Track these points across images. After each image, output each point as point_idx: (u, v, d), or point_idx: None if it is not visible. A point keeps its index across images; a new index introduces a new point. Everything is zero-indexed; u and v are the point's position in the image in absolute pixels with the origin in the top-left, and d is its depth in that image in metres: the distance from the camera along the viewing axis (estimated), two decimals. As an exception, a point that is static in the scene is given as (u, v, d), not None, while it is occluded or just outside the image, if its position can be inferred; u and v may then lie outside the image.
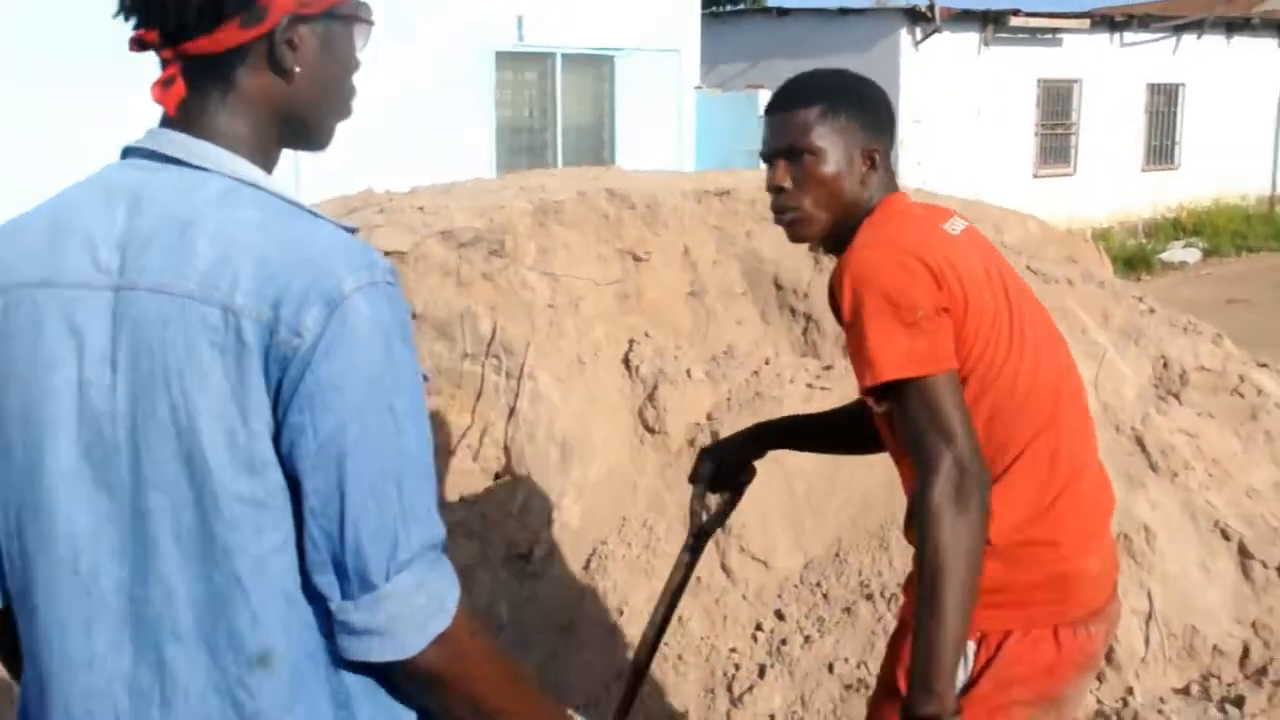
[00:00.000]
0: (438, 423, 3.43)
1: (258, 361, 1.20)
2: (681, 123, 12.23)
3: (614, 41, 11.59)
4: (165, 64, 1.27)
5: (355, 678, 1.28)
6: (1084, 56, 17.08)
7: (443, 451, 3.45)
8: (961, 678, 1.80)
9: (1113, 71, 17.47)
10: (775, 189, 1.94)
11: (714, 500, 2.41)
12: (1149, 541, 3.25)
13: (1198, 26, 18.37)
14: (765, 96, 11.63)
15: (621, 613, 3.30)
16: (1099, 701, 3.06)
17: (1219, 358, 3.82)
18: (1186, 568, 3.28)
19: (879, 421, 1.99)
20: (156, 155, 1.28)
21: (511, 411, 3.46)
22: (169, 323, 1.21)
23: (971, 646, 1.81)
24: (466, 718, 1.32)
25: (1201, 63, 18.57)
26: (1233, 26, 19.11)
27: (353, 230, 1.32)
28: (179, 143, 1.27)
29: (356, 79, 1.40)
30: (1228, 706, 3.00)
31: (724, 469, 2.35)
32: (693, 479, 2.37)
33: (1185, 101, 18.66)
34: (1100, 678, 3.09)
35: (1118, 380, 3.57)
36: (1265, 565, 3.30)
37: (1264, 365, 3.89)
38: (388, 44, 9.97)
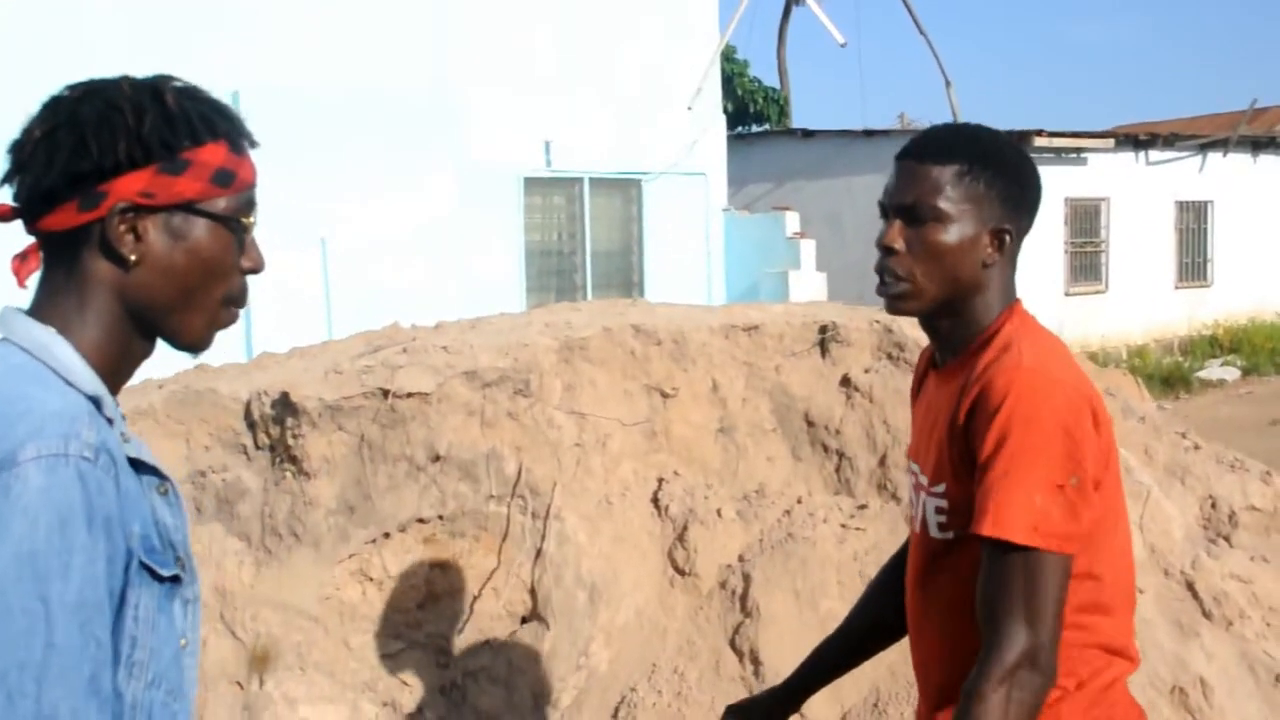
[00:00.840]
0: (462, 566, 3.35)
1: None
2: (710, 244, 12.32)
3: (641, 165, 11.74)
4: (31, 241, 1.29)
5: None
6: (1111, 175, 17.17)
7: (468, 595, 3.37)
8: None
9: (1140, 189, 17.55)
10: (885, 248, 1.75)
11: None
12: (1206, 696, 3.09)
13: (1223, 145, 18.50)
14: (792, 218, 11.68)
15: (651, 768, 3.16)
16: None
17: (1269, 497, 3.69)
18: (1246, 723, 3.11)
19: (913, 542, 1.86)
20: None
21: (538, 553, 3.37)
22: None
23: None
24: None
25: (1229, 180, 18.66)
26: (1258, 145, 19.27)
27: (95, 400, 1.24)
28: (8, 320, 1.28)
29: (259, 280, 1.37)
30: None
31: None
32: None
33: (1215, 218, 18.68)
34: (1160, 844, 2.92)
35: (1164, 521, 3.45)
36: (1331, 720, 3.13)
37: (1316, 503, 3.75)
38: (417, 169, 10.14)
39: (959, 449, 1.68)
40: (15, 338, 1.27)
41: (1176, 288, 18.28)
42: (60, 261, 1.28)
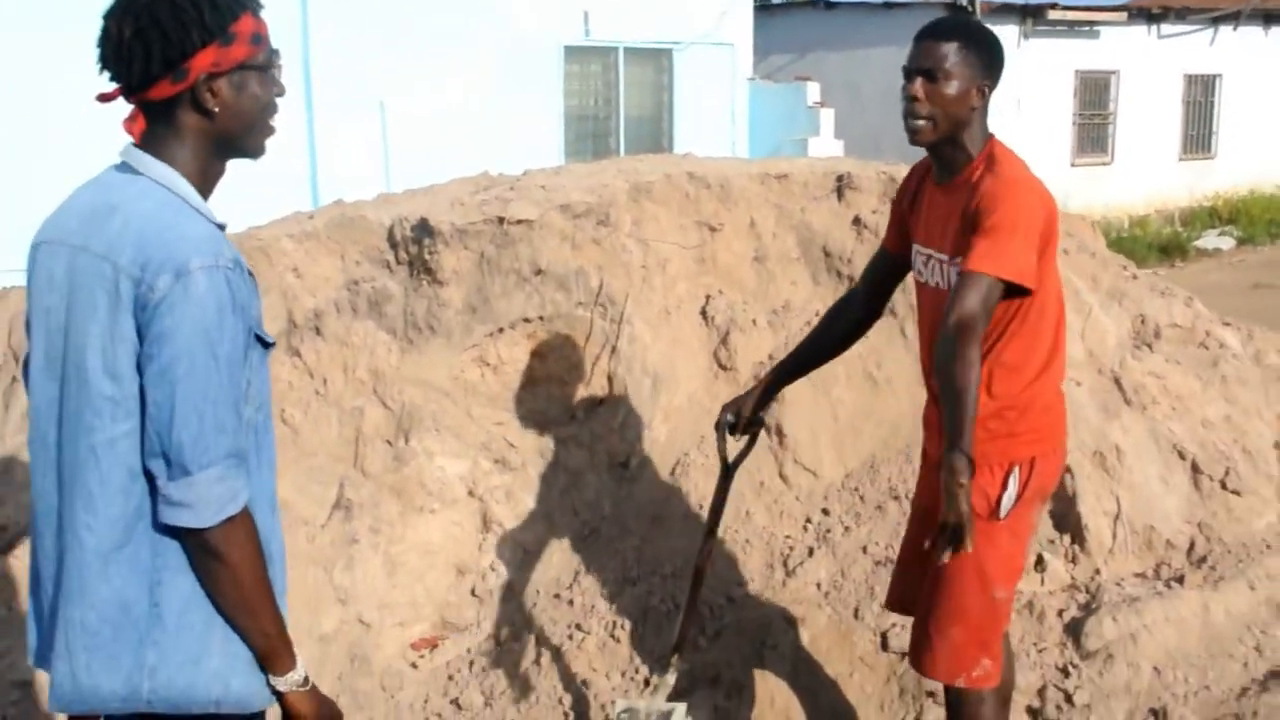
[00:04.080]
0: (556, 357, 4.32)
1: (128, 304, 1.72)
2: (735, 112, 13.06)
3: (673, 36, 12.44)
4: (133, 107, 1.84)
5: (167, 541, 1.77)
6: (1121, 48, 17.66)
7: (558, 380, 4.35)
8: (1014, 492, 2.68)
9: (1150, 63, 18.01)
10: (910, 98, 2.61)
11: (736, 443, 3.22)
12: (1119, 459, 4.08)
13: (1234, 18, 18.84)
14: (813, 88, 12.35)
15: (701, 507, 4.16)
16: (1072, 579, 3.91)
17: (1189, 316, 4.63)
18: (1149, 480, 4.11)
19: (931, 300, 2.77)
20: (123, 164, 1.86)
21: (613, 349, 4.33)
22: (86, 271, 1.76)
23: (1017, 471, 2.68)
24: (226, 596, 1.78)
25: (1239, 54, 19.05)
26: (1270, 18, 19.51)
27: (222, 226, 1.83)
28: (133, 156, 1.84)
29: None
30: (1172, 583, 3.83)
31: (739, 418, 3.16)
32: (717, 426, 3.18)
33: (1222, 92, 19.15)
34: (1075, 560, 3.94)
35: (1101, 332, 4.40)
36: (1211, 479, 4.12)
37: (1228, 324, 4.69)
38: (466, 39, 10.89)
39: (969, 230, 2.54)
40: (150, 173, 1.80)
41: (1180, 160, 18.89)
42: (160, 119, 1.81)
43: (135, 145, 1.84)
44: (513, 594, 4.02)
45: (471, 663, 3.84)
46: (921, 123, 2.62)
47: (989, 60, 2.65)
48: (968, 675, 2.75)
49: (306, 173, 10.08)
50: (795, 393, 4.35)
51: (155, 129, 1.83)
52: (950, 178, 2.71)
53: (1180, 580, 3.81)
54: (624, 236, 4.42)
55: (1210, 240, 17.03)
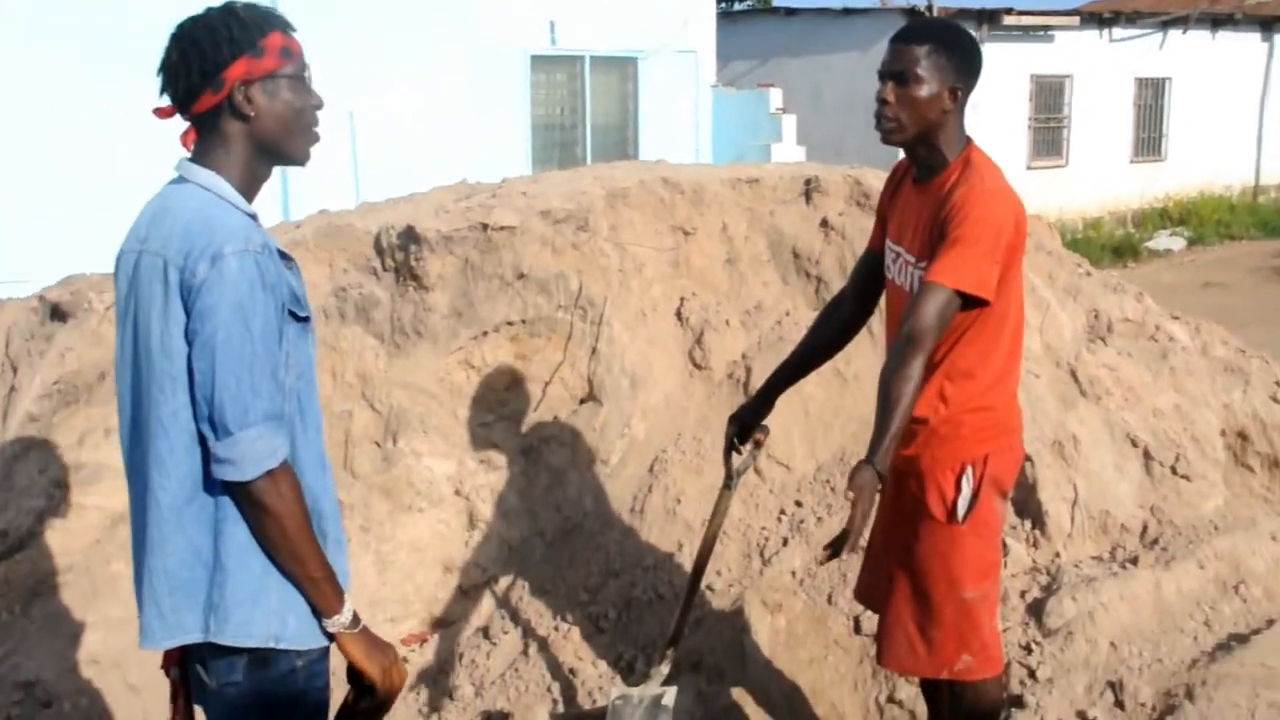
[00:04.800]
0: (538, 359, 4.47)
1: (176, 290, 1.96)
2: (699, 119, 13.28)
3: (638, 45, 12.63)
4: (187, 124, 2.10)
5: (225, 497, 2.00)
6: (1075, 52, 18.02)
7: (541, 381, 4.50)
8: (969, 492, 2.72)
9: (1102, 67, 18.40)
10: (881, 100, 2.62)
11: (739, 456, 3.36)
12: (1076, 447, 4.29)
13: (1183, 22, 19.28)
14: (775, 94, 12.60)
15: (679, 501, 4.34)
16: (1034, 562, 4.11)
17: (1140, 311, 4.86)
18: (1104, 467, 4.32)
19: (897, 298, 2.82)
20: (179, 177, 2.11)
21: (593, 351, 4.50)
22: (146, 268, 2.01)
23: (970, 470, 2.72)
24: (272, 543, 2.00)
25: (1188, 57, 19.49)
26: (1217, 22, 19.98)
27: (253, 215, 2.07)
28: (184, 168, 2.10)
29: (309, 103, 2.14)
30: (1127, 564, 4.05)
31: (744, 429, 3.24)
32: (726, 437, 3.26)
33: (1172, 95, 19.59)
34: (1035, 545, 4.15)
35: (1058, 327, 4.62)
36: (1162, 465, 4.34)
37: (1176, 318, 4.93)
38: (434, 48, 11.02)
39: (937, 237, 2.56)
40: (196, 180, 2.05)
41: (1132, 162, 19.30)
42: (208, 130, 2.06)
43: (188, 159, 2.10)
44: (499, 589, 4.17)
45: (461, 655, 3.99)
46: (891, 124, 2.65)
47: (961, 63, 2.65)
48: (951, 669, 2.83)
49: (278, 182, 10.18)
50: (768, 390, 4.54)
51: (204, 139, 2.08)
52: (928, 179, 2.73)
53: (1134, 561, 4.03)
54: (602, 241, 4.59)
55: (1162, 241, 17.42)
